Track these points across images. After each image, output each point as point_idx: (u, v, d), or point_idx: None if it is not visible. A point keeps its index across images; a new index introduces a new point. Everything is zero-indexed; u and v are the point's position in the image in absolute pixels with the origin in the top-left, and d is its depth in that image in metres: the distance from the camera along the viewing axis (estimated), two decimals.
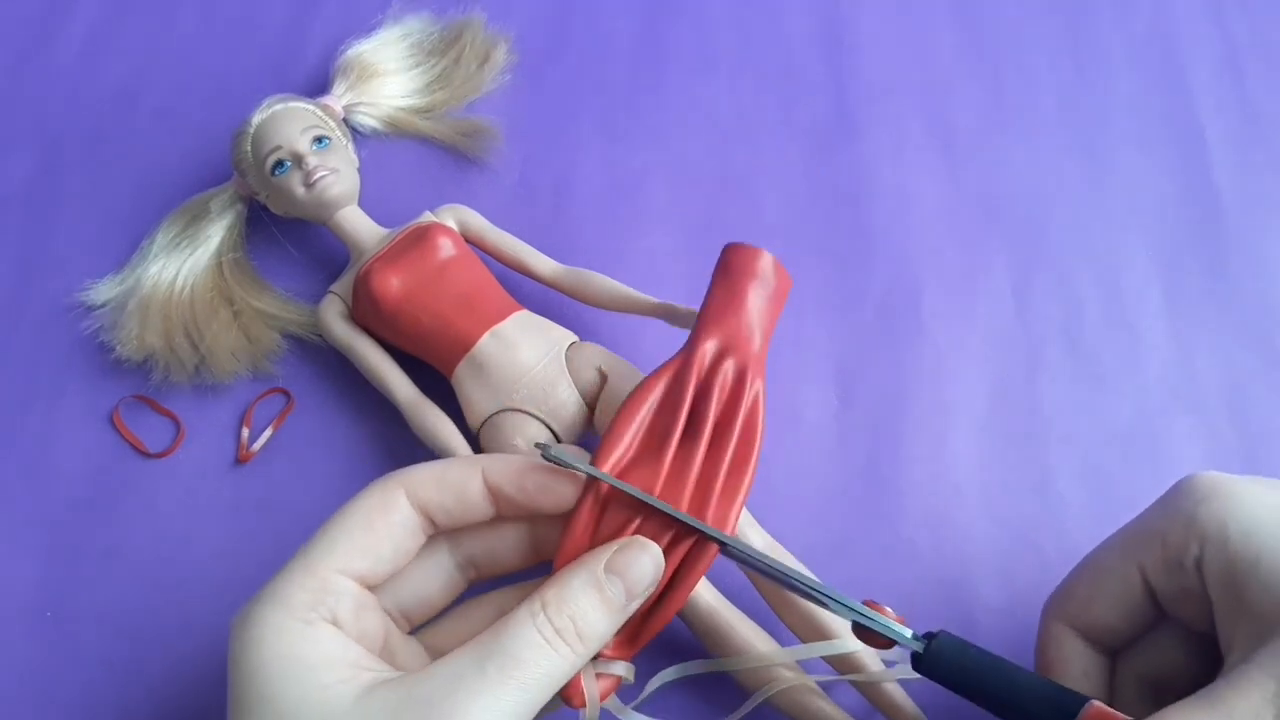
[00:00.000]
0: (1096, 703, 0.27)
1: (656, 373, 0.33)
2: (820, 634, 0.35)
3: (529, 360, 0.38)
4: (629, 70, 0.50)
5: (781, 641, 0.36)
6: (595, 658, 0.30)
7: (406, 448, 0.41)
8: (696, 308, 0.38)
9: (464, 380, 0.39)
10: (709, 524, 0.30)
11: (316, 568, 0.28)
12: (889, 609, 0.30)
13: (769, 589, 0.36)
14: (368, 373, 0.41)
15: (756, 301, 0.34)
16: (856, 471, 0.41)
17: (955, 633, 0.30)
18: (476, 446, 0.39)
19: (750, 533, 0.37)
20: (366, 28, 0.49)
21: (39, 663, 0.38)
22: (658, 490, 0.31)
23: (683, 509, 0.30)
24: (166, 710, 0.37)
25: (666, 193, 0.47)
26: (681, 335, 0.41)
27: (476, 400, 0.38)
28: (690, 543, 0.30)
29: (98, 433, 0.42)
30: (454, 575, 0.32)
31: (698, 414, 0.32)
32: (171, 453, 0.42)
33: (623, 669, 0.30)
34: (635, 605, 0.29)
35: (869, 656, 0.35)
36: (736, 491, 0.31)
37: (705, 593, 0.36)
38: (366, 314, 0.40)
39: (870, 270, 0.45)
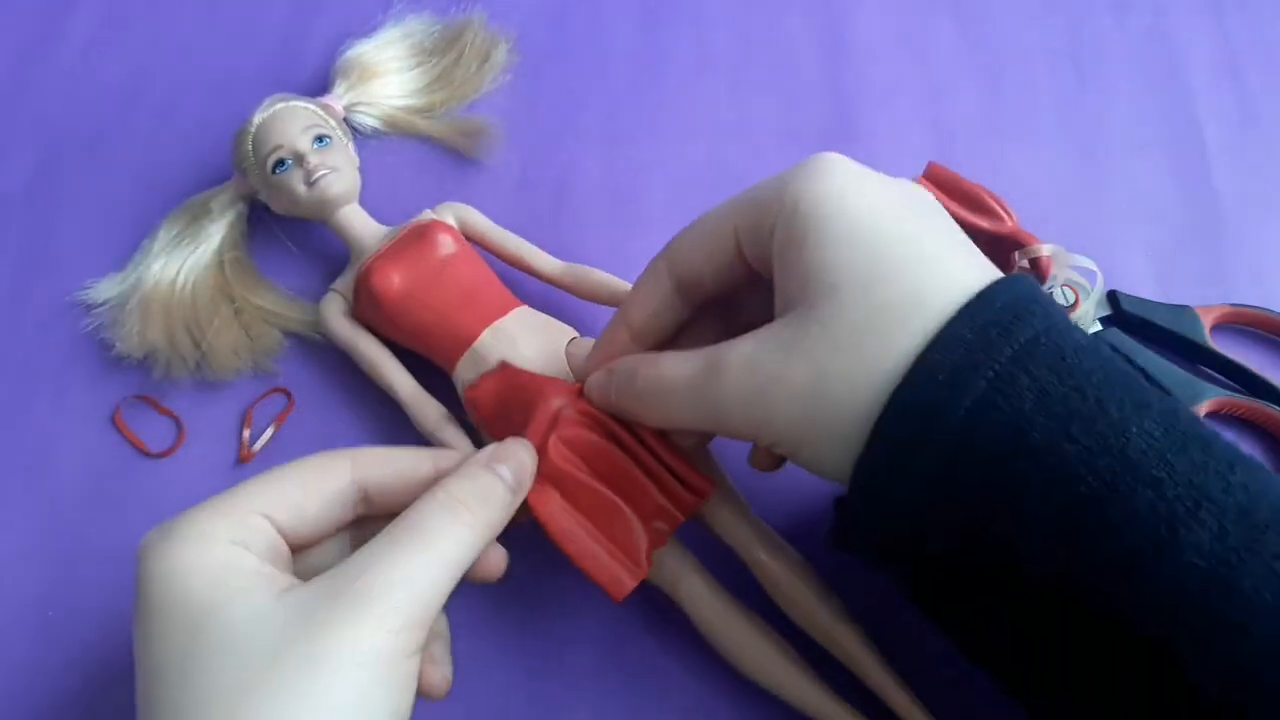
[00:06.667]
0: None
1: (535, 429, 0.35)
2: (827, 634, 0.35)
3: (529, 356, 0.38)
4: (629, 70, 0.50)
5: (782, 636, 0.36)
6: None
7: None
8: None
9: (465, 376, 0.39)
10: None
11: (236, 506, 0.27)
12: None
13: (771, 577, 0.36)
14: (369, 369, 0.41)
15: None
16: None
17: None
18: (478, 443, 0.39)
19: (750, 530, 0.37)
20: (367, 27, 0.49)
21: (39, 663, 0.38)
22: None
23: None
24: None
25: (666, 193, 0.47)
26: None
27: None
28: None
29: (98, 433, 0.42)
30: None
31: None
32: (173, 453, 0.41)
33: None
34: (523, 491, 0.31)
35: (874, 658, 0.35)
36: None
37: (705, 590, 0.36)
38: (368, 311, 0.40)
39: None
